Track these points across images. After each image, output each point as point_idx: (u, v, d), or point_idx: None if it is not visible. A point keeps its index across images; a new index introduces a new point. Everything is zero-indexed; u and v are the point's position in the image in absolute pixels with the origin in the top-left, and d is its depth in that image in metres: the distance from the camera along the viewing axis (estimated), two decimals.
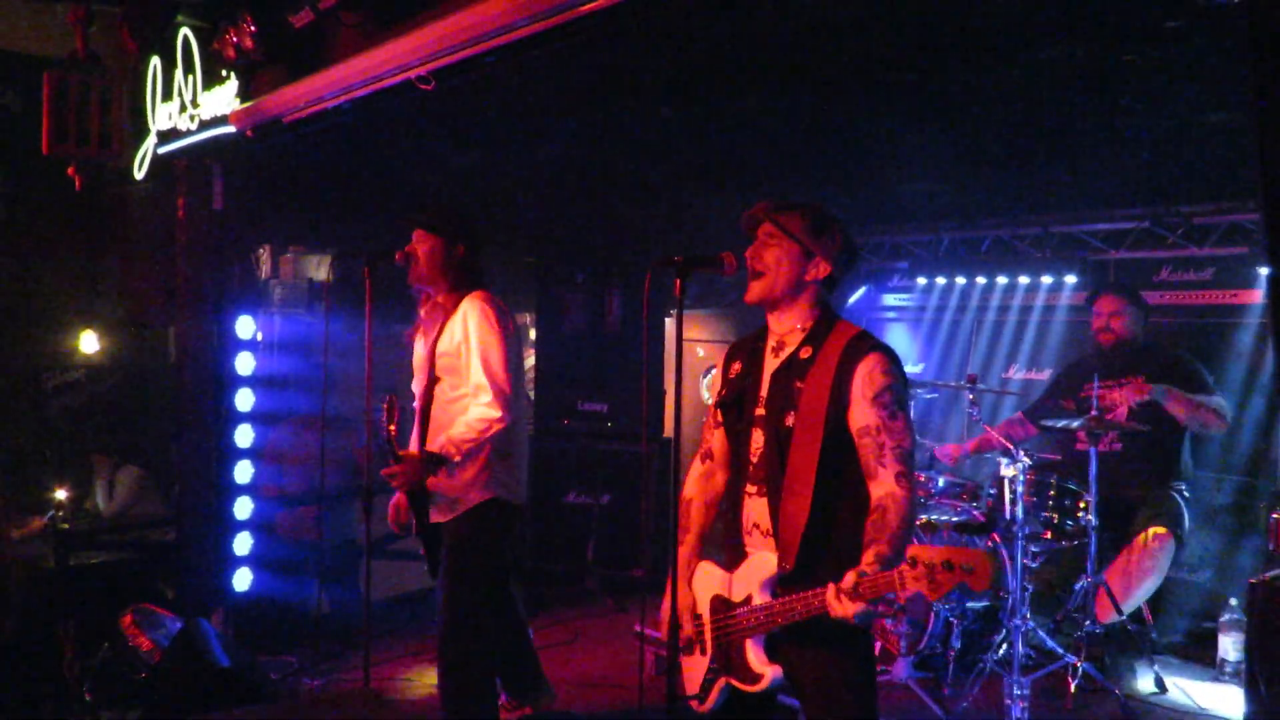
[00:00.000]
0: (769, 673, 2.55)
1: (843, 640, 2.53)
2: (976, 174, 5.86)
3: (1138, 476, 5.13)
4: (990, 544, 4.87)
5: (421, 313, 4.06)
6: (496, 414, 3.73)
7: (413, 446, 4.02)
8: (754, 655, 2.58)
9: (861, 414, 2.51)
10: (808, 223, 2.62)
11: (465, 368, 3.81)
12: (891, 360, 2.56)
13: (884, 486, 2.47)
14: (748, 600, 2.59)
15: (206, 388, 5.64)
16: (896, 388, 2.53)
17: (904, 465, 2.48)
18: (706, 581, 2.74)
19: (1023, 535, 4.63)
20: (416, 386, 4.07)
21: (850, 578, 2.33)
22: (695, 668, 2.73)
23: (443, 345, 3.87)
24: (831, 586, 2.36)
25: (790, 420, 2.56)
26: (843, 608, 2.34)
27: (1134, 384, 4.92)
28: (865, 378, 2.52)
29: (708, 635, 2.70)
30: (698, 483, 2.89)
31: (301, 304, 5.80)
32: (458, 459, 3.73)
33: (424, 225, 3.90)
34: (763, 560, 2.58)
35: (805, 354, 2.61)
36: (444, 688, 3.90)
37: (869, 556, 2.37)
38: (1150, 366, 5.21)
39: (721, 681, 2.65)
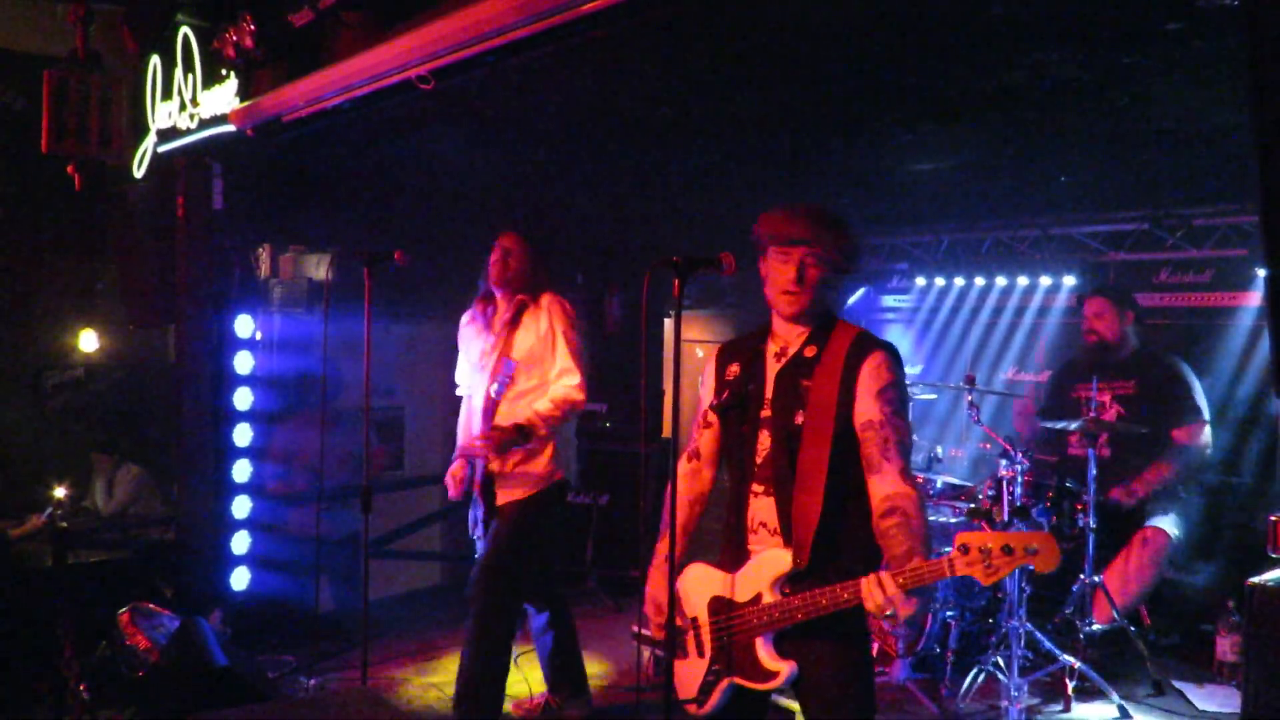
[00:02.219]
0: (785, 669, 2.54)
1: (844, 639, 2.55)
2: (976, 175, 5.86)
3: (1135, 478, 5.13)
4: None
5: (480, 310, 4.29)
6: (581, 396, 4.07)
7: (460, 440, 4.30)
8: (765, 653, 2.57)
9: (866, 408, 2.53)
10: (846, 242, 2.61)
11: (550, 355, 4.10)
12: (895, 358, 2.61)
13: (889, 483, 2.47)
14: (757, 599, 2.58)
15: (206, 386, 5.64)
16: (900, 385, 2.58)
17: (906, 461, 2.50)
18: (701, 583, 2.73)
19: None
20: (472, 381, 4.27)
21: (887, 574, 2.34)
22: (690, 670, 2.72)
23: (524, 339, 4.13)
24: (871, 576, 2.36)
25: (799, 419, 2.57)
26: (883, 594, 2.33)
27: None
28: (872, 373, 2.55)
29: (706, 637, 2.69)
30: (683, 480, 2.88)
31: (301, 303, 5.80)
32: (544, 432, 4.03)
33: (521, 234, 4.23)
34: (773, 558, 2.57)
35: (810, 353, 2.63)
36: (473, 645, 4.03)
37: (907, 560, 2.36)
38: (1143, 376, 5.23)
39: (725, 683, 2.64)
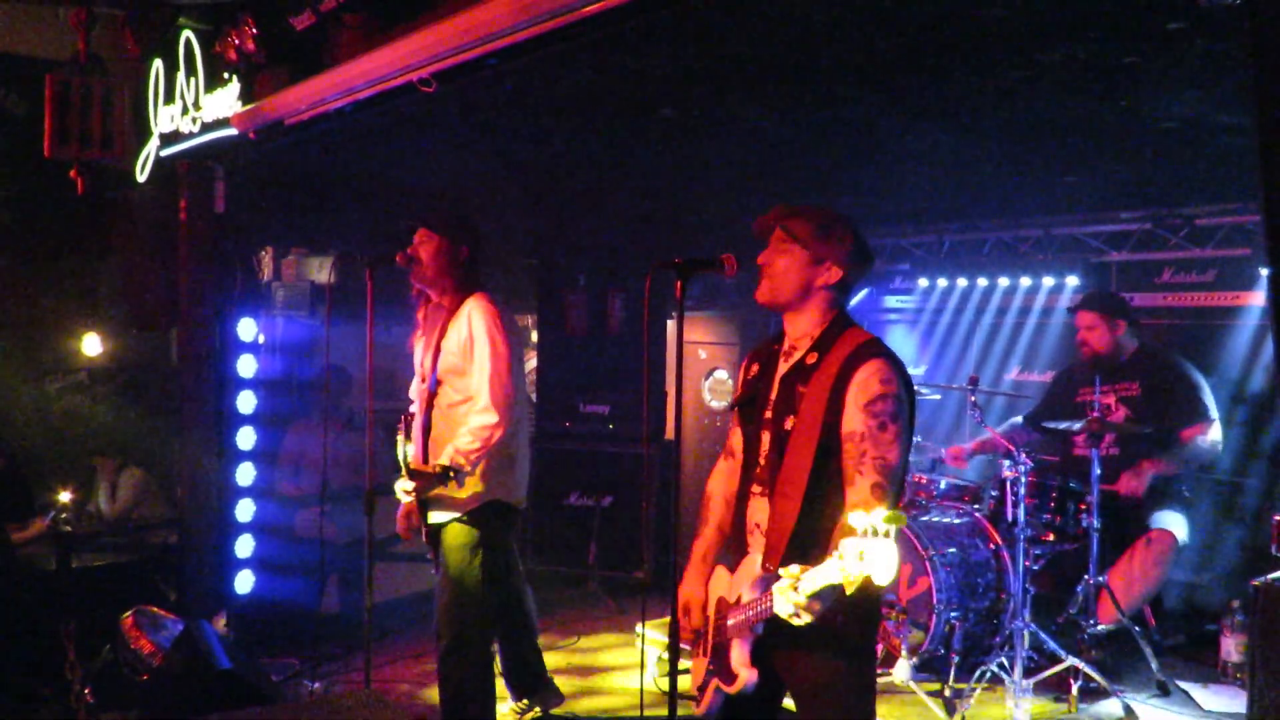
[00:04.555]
0: (744, 675, 2.50)
1: (833, 643, 2.49)
2: (978, 175, 5.85)
3: (1146, 459, 5.11)
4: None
5: (420, 318, 4.07)
6: (494, 419, 3.76)
7: (415, 455, 4.02)
8: (737, 656, 2.54)
9: (851, 419, 2.47)
10: (815, 227, 2.62)
11: (468, 370, 3.84)
12: (893, 369, 2.51)
13: (859, 495, 2.41)
14: (738, 601, 2.59)
15: (208, 390, 5.64)
16: (893, 398, 2.47)
17: (882, 478, 2.41)
18: (716, 583, 2.75)
19: (1024, 537, 4.63)
20: (417, 394, 4.07)
21: (795, 570, 2.26)
22: (697, 668, 2.74)
23: (447, 347, 3.88)
24: (779, 583, 2.31)
25: (789, 424, 2.56)
26: (785, 602, 2.27)
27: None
28: (861, 384, 2.48)
29: (709, 637, 2.71)
30: (719, 478, 2.88)
31: (303, 306, 5.80)
32: (468, 470, 3.77)
33: (429, 225, 3.92)
34: (753, 561, 2.59)
35: (811, 359, 2.60)
36: (443, 688, 3.91)
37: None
38: (1147, 376, 5.21)
39: (714, 683, 2.64)
